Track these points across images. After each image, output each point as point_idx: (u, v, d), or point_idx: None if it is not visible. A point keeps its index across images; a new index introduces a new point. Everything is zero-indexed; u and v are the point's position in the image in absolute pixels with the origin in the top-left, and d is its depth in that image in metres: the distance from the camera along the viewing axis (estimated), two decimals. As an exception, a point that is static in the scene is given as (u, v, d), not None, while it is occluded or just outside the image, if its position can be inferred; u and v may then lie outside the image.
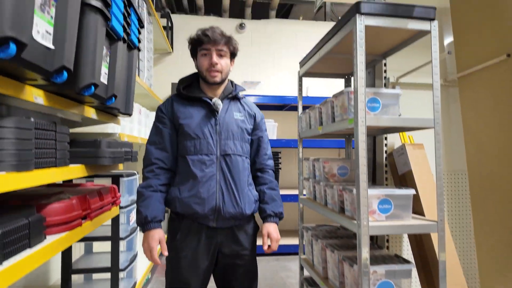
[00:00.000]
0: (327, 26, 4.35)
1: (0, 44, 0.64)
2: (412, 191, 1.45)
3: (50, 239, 1.07)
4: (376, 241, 2.14)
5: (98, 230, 2.12)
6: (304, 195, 2.25)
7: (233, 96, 1.44)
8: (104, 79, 1.20)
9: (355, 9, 1.40)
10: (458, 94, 2.07)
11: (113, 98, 1.29)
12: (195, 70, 1.47)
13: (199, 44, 1.37)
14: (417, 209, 1.74)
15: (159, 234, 1.28)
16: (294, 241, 3.38)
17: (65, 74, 0.88)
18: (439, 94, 1.45)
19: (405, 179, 1.83)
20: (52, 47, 0.81)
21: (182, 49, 3.83)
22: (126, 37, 1.37)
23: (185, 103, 1.40)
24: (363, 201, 1.34)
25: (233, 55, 1.42)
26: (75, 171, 1.21)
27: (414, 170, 1.75)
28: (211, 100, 1.38)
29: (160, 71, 3.83)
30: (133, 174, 2.22)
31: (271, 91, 3.93)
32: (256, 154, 1.49)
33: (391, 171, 1.97)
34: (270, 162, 1.52)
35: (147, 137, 1.48)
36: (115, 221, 1.87)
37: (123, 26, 1.31)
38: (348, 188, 1.52)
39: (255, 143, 1.48)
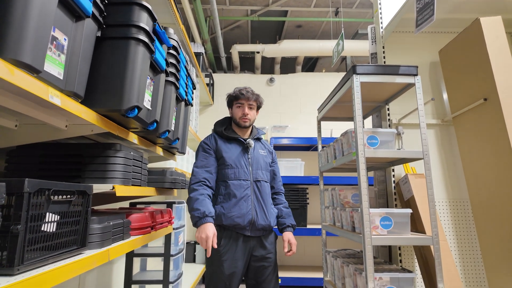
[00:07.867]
0: (348, 75, 4.85)
1: (131, 109, 1.17)
2: (409, 210, 1.76)
3: (132, 238, 1.53)
4: (390, 259, 2.36)
5: (152, 249, 2.58)
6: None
7: (257, 137, 1.94)
8: (173, 127, 1.73)
9: (352, 71, 1.87)
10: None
11: (177, 140, 1.82)
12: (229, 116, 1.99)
13: (235, 99, 1.90)
14: (420, 229, 1.99)
15: (213, 228, 1.58)
16: (320, 275, 3.48)
17: (155, 124, 1.41)
18: (425, 132, 1.80)
19: (409, 204, 2.10)
20: (150, 108, 1.35)
21: (221, 101, 4.51)
22: (186, 98, 1.93)
23: (225, 141, 1.89)
24: (365, 217, 1.68)
25: (258, 107, 1.95)
26: (150, 191, 1.71)
27: (416, 196, 2.03)
28: (245, 140, 1.86)
29: (203, 119, 4.50)
30: (182, 203, 2.70)
31: (299, 133, 4.40)
32: (273, 181, 1.95)
33: (399, 198, 2.26)
34: (283, 187, 1.99)
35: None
36: (168, 238, 2.31)
37: (185, 91, 1.88)
38: (355, 209, 1.86)
39: (271, 172, 1.95)
